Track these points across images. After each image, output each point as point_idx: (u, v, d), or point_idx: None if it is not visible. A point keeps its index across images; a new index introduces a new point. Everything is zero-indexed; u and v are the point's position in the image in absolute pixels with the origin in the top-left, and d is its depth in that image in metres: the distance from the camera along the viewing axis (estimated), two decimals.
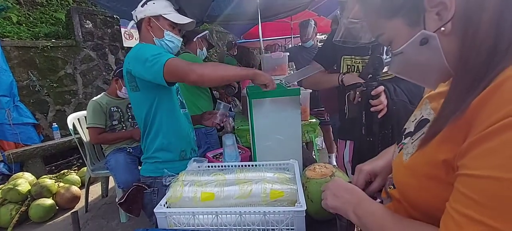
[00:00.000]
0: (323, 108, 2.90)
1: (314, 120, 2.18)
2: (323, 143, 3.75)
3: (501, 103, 0.34)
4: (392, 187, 0.59)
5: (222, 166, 1.09)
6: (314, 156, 1.98)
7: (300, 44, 3.37)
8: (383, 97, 1.13)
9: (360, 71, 1.34)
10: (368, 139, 1.18)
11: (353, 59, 1.36)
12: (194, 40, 2.29)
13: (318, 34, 6.01)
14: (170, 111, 1.19)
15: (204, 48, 2.39)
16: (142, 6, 1.23)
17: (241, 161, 1.27)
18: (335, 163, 3.28)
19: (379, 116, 1.14)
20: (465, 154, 0.38)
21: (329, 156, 3.46)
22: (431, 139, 0.43)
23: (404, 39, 0.47)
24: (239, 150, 1.43)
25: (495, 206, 0.34)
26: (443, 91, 0.56)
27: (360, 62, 1.35)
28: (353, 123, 1.27)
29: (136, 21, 1.26)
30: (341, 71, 1.40)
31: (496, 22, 0.38)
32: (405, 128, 0.62)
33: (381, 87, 1.12)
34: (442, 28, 0.43)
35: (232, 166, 1.09)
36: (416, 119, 0.59)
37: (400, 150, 0.57)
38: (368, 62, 1.20)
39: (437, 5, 0.42)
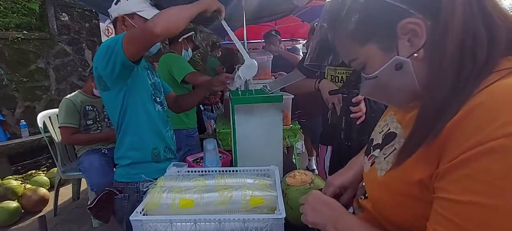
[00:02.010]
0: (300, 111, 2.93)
1: (295, 125, 2.21)
2: (304, 146, 3.81)
3: (471, 130, 0.36)
4: (363, 197, 0.60)
5: (202, 171, 1.08)
6: (294, 161, 2.01)
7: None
8: (362, 105, 1.17)
9: (344, 81, 1.37)
10: (347, 144, 1.21)
11: (336, 70, 1.39)
12: (179, 40, 2.25)
13: (301, 39, 6.14)
14: (141, 107, 1.13)
15: (190, 49, 2.35)
16: (115, 3, 1.16)
17: (222, 166, 1.25)
18: (314, 167, 3.34)
19: (358, 123, 1.18)
20: (442, 178, 0.40)
21: (309, 159, 3.51)
22: (407, 159, 0.45)
23: (379, 64, 0.48)
24: (220, 154, 1.41)
25: (474, 229, 0.36)
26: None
27: (344, 73, 1.38)
28: (334, 128, 1.30)
29: (112, 20, 1.19)
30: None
31: (459, 48, 0.40)
32: (373, 138, 0.64)
33: (362, 96, 1.16)
34: (415, 54, 0.45)
35: (212, 171, 1.07)
36: (382, 130, 0.61)
37: (372, 163, 0.58)
38: (353, 71, 1.24)
39: (409, 32, 0.44)
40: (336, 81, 1.42)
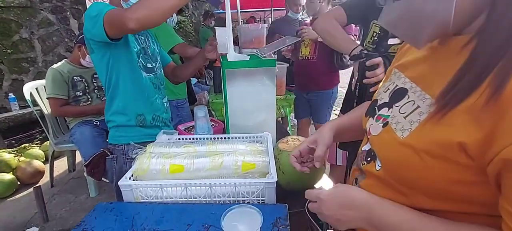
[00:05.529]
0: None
1: (289, 95, 2.18)
2: None
3: None
4: (365, 163, 0.57)
5: (193, 139, 1.06)
6: (289, 131, 2.00)
7: (282, 16, 3.13)
8: (379, 70, 1.05)
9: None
10: None
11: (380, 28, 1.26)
12: None
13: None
14: (128, 72, 1.12)
15: (174, 14, 2.24)
16: None
17: (213, 134, 1.24)
18: None
19: (371, 89, 1.07)
20: None
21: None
22: (452, 107, 0.39)
23: None
24: (212, 123, 1.40)
25: None
26: (415, 59, 0.54)
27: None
28: (352, 98, 1.19)
29: None
30: (367, 36, 1.31)
31: None
32: (376, 99, 0.59)
33: (379, 59, 1.05)
34: None
35: (203, 139, 1.06)
36: (388, 89, 0.57)
37: (385, 124, 0.53)
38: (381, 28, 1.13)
39: None
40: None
